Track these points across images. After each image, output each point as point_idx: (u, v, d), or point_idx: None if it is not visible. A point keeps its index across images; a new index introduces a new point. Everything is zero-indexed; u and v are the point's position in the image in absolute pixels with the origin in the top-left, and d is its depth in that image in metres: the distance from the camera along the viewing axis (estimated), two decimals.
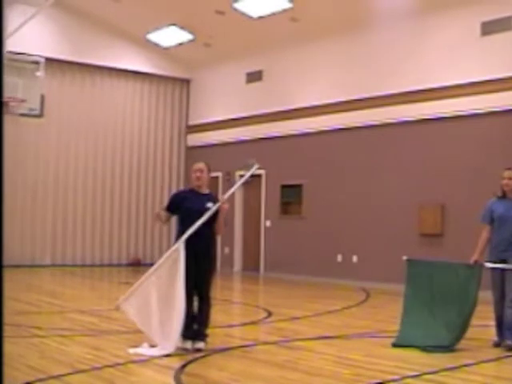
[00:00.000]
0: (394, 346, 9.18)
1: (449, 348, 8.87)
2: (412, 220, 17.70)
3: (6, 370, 7.07)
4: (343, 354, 8.59)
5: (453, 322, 9.10)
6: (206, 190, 9.00)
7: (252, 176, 21.85)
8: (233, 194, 21.89)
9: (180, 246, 8.40)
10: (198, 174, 8.95)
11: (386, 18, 18.24)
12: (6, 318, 9.93)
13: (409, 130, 18.03)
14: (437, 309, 9.28)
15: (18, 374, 7.01)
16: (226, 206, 8.76)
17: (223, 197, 8.79)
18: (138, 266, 24.08)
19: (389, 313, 13.26)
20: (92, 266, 23.49)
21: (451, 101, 16.99)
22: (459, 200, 16.76)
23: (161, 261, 8.55)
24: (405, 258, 9.89)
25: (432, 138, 17.50)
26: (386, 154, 18.53)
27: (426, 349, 8.83)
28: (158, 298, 8.41)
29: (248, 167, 9.49)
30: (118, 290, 18.00)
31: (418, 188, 17.71)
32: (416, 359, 8.38)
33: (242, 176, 9.38)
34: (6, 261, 16.61)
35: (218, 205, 8.59)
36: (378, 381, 7.15)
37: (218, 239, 9.35)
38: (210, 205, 8.63)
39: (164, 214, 9.03)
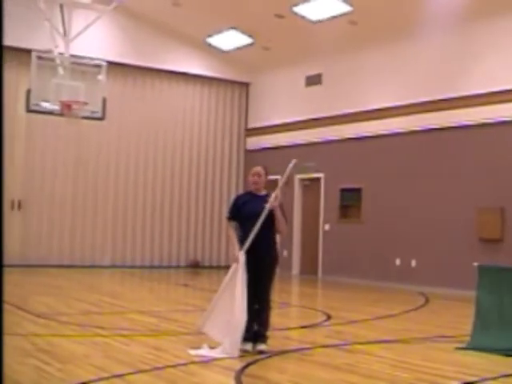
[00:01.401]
0: (464, 349, 9.23)
1: None
2: (471, 224, 17.52)
3: (71, 368, 7.25)
4: (402, 358, 8.55)
5: None
6: (263, 192, 9.04)
7: (311, 179, 21.98)
8: (292, 196, 21.89)
9: (241, 257, 8.46)
10: (256, 178, 9.00)
11: (446, 21, 18.09)
12: (72, 318, 10.15)
13: (468, 133, 17.86)
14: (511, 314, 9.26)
15: (82, 373, 7.13)
16: (274, 204, 8.66)
17: (270, 200, 8.67)
18: (197, 267, 24.25)
19: (448, 318, 13.19)
20: (151, 267, 23.71)
21: (510, 104, 16.79)
22: None
23: (229, 275, 8.55)
24: (476, 264, 9.84)
25: (491, 142, 17.32)
26: (445, 157, 18.37)
27: (507, 353, 8.80)
28: (230, 307, 8.41)
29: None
30: (176, 292, 18.21)
31: (476, 192, 17.52)
32: (475, 364, 8.33)
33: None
34: (67, 261, 16.96)
35: (266, 211, 8.55)
36: None
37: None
38: (267, 205, 8.63)
39: (232, 234, 8.92)
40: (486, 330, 9.39)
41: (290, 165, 9.00)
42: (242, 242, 8.63)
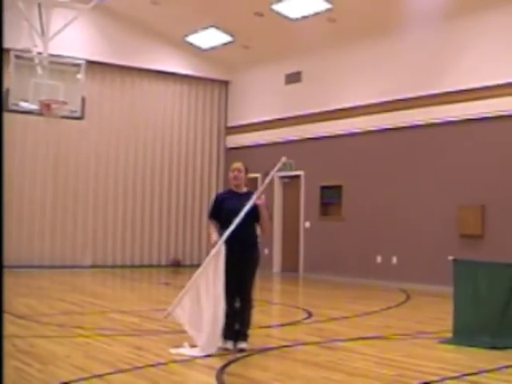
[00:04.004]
0: (446, 343, 9.36)
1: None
2: (452, 221, 17.57)
3: (52, 369, 7.20)
4: (384, 354, 8.57)
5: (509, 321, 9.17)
6: (244, 189, 9.04)
7: (291, 177, 21.99)
8: (272, 193, 21.81)
9: (220, 247, 8.41)
10: (236, 174, 9.00)
11: (425, 18, 18.13)
12: (53, 319, 10.09)
13: (448, 130, 17.90)
14: (490, 308, 9.30)
15: (63, 373, 7.11)
16: (260, 201, 8.69)
17: (254, 195, 8.69)
18: (178, 266, 24.22)
19: (429, 314, 13.23)
20: (132, 266, 23.64)
21: (491, 101, 16.80)
22: (500, 200, 16.59)
23: (205, 262, 8.53)
24: (450, 257, 9.88)
25: (471, 138, 17.35)
26: (426, 154, 18.41)
27: (495, 346, 8.91)
28: (204, 299, 8.39)
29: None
30: (157, 291, 18.17)
31: (457, 188, 17.57)
32: (457, 360, 8.35)
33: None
34: (48, 262, 16.84)
35: (250, 204, 8.54)
36: (421, 381, 7.14)
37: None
38: (253, 197, 8.63)
39: (213, 227, 8.86)
40: (464, 325, 9.47)
41: (279, 165, 9.02)
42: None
